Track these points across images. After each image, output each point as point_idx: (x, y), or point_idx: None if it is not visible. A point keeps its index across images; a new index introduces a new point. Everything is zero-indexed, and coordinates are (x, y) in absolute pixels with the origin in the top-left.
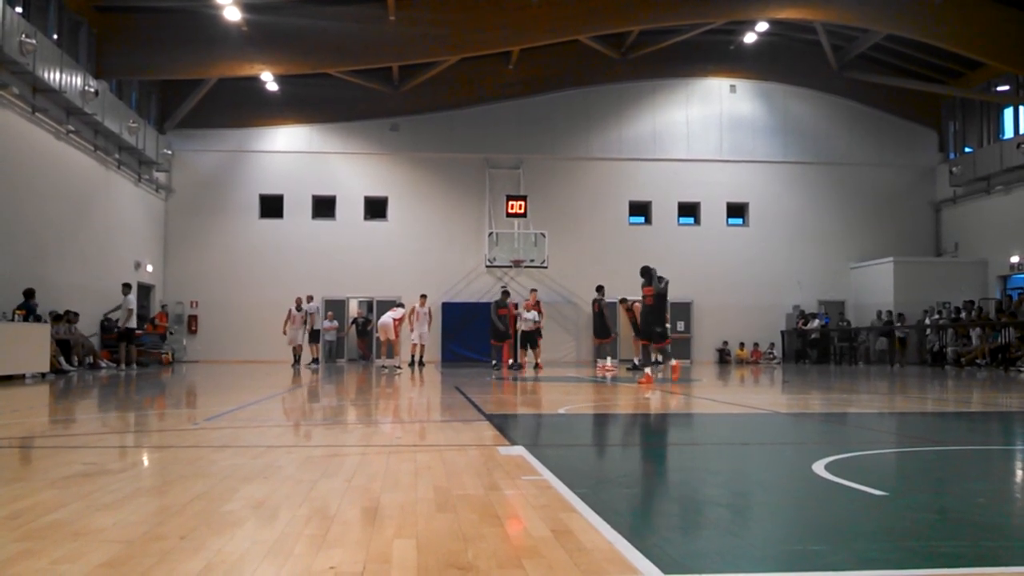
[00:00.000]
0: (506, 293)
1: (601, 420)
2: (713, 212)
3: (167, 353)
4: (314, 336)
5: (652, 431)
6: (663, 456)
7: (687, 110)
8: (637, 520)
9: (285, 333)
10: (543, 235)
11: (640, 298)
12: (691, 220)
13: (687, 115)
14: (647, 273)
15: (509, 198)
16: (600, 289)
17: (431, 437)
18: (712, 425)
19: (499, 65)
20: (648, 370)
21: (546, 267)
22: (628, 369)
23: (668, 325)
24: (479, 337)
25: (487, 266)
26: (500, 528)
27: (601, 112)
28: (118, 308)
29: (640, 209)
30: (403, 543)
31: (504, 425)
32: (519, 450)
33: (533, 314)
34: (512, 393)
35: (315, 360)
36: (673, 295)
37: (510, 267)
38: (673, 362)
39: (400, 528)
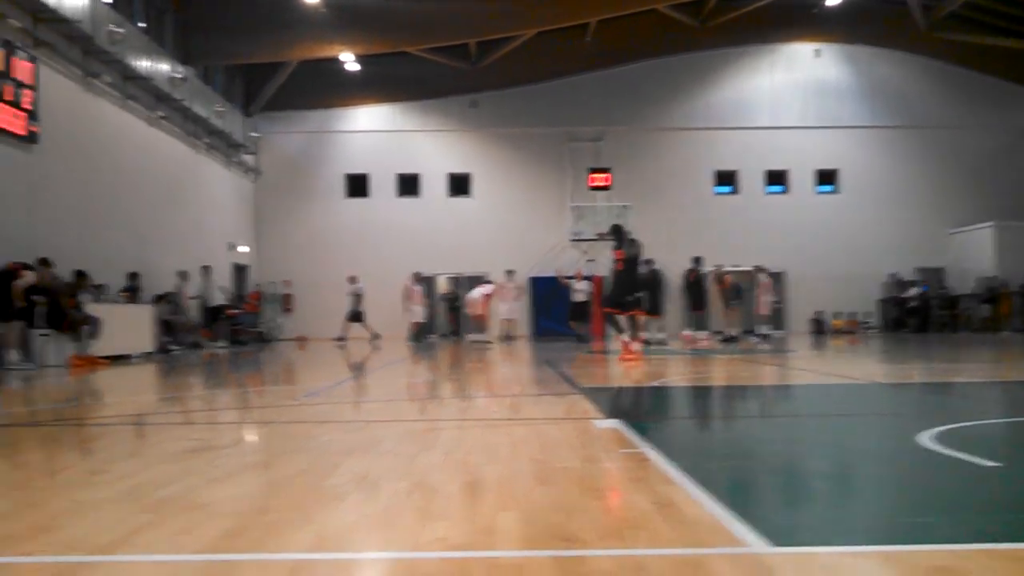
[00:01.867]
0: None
1: (697, 392)
2: (802, 180)
3: (264, 331)
4: (356, 316)
5: (749, 403)
6: (762, 428)
7: (771, 77)
8: (740, 492)
9: (407, 310)
10: (627, 207)
11: (728, 269)
12: (780, 188)
13: (771, 82)
14: (618, 233)
15: (591, 171)
16: (697, 260)
17: (526, 411)
18: (810, 396)
19: (577, 38)
20: (629, 342)
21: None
22: (721, 341)
23: (641, 294)
24: (567, 310)
25: (571, 240)
26: (601, 500)
27: (683, 81)
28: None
29: (726, 178)
30: (506, 515)
31: (598, 398)
32: (615, 423)
33: (585, 284)
34: (604, 366)
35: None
36: (763, 264)
37: (595, 240)
38: (626, 337)
39: (502, 500)
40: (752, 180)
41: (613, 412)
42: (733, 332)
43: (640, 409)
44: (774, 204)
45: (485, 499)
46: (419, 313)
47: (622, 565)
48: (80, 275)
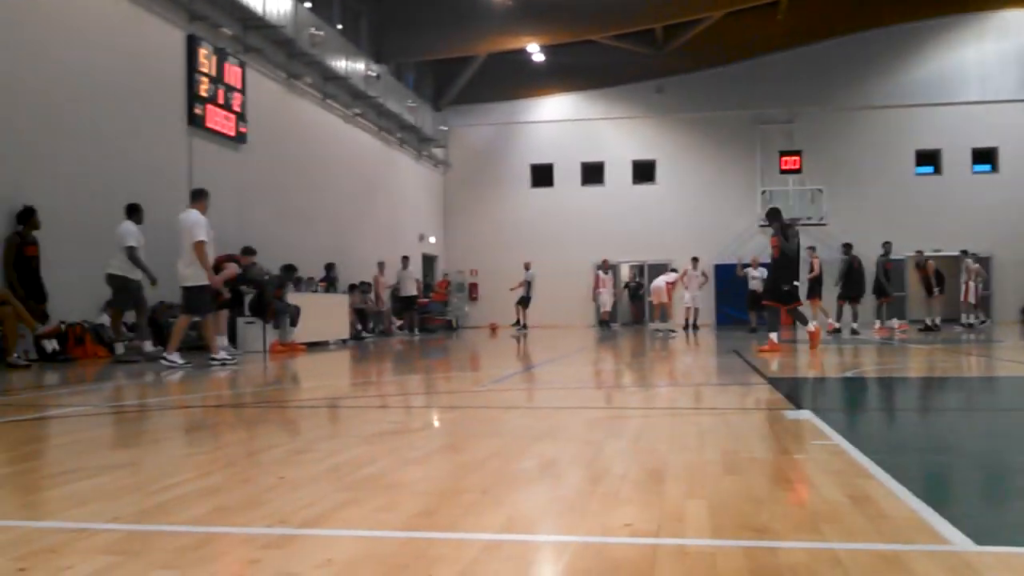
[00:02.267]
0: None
1: (892, 383)
2: (1014, 157)
3: (451, 319)
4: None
5: (949, 395)
6: (963, 421)
7: (980, 47)
8: (939, 488)
9: (595, 299)
10: (820, 191)
11: (929, 254)
12: (988, 167)
13: (980, 53)
14: (774, 219)
15: (782, 154)
16: (886, 246)
17: (712, 400)
18: (1017, 389)
19: (766, 17)
20: (773, 336)
21: (825, 224)
22: (920, 330)
23: (798, 283)
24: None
25: (760, 225)
26: (793, 492)
27: (880, 57)
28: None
29: (928, 158)
30: (695, 503)
31: (788, 389)
32: (806, 414)
33: (761, 271)
34: (793, 356)
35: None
36: (969, 248)
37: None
38: (811, 326)
39: (690, 489)
40: (957, 159)
41: (804, 402)
42: (935, 320)
43: (833, 400)
44: (981, 184)
45: (673, 487)
46: (608, 301)
47: (816, 558)
48: (289, 268)
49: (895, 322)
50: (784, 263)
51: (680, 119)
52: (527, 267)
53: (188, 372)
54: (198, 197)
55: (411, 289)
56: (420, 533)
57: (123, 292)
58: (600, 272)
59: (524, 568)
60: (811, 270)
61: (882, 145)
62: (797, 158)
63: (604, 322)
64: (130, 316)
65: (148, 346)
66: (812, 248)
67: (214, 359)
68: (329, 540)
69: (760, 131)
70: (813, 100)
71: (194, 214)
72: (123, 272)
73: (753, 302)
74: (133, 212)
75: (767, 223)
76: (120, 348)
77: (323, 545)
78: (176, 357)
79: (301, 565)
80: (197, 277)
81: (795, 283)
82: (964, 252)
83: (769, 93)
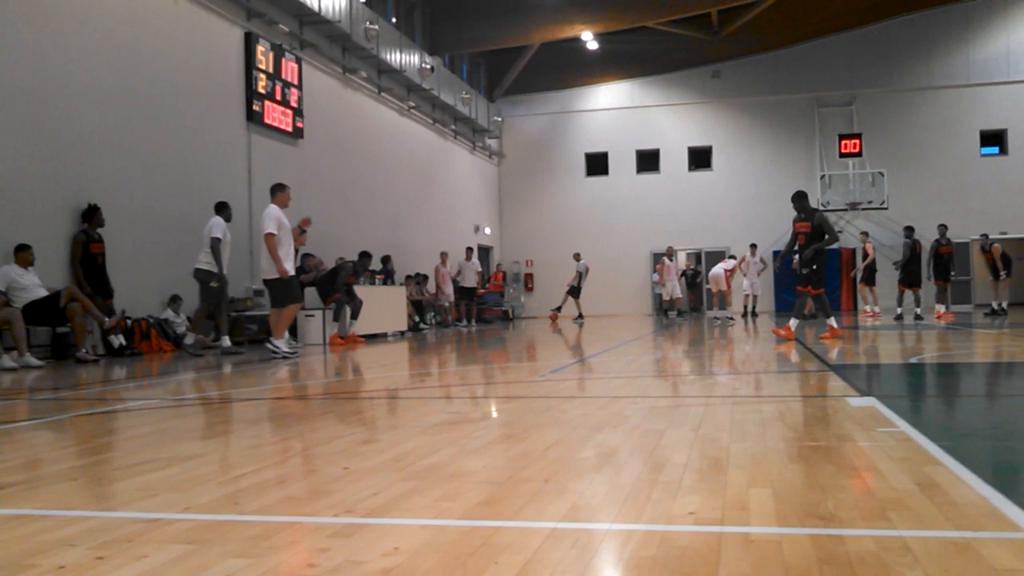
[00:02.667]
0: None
1: (958, 369)
2: None
3: (507, 309)
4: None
5: (1017, 380)
6: None
7: None
8: (1011, 474)
9: (663, 284)
10: (881, 174)
11: (995, 237)
12: None
13: None
14: (800, 202)
15: (842, 137)
16: (940, 228)
17: (774, 388)
18: None
19: None
20: (792, 323)
21: (886, 208)
22: (985, 315)
23: (815, 268)
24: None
25: (821, 210)
26: (859, 480)
27: (943, 36)
28: (459, 272)
29: (993, 139)
30: (759, 491)
31: (851, 375)
32: (871, 401)
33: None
34: (854, 342)
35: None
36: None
37: (845, 210)
38: (833, 321)
39: (753, 477)
40: (1023, 139)
41: (868, 389)
42: (1002, 304)
43: (898, 386)
44: None
45: (736, 475)
46: (672, 288)
47: (885, 546)
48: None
49: (940, 308)
50: (812, 248)
51: (737, 104)
52: (577, 258)
53: (253, 365)
54: (276, 191)
55: (472, 280)
56: (484, 522)
57: (206, 286)
58: (665, 259)
59: (589, 556)
60: (864, 256)
61: (945, 126)
62: (857, 141)
63: (668, 310)
64: (192, 310)
65: (226, 341)
66: (865, 234)
67: (277, 349)
68: (394, 529)
69: (819, 114)
70: (873, 81)
71: (270, 208)
72: (208, 267)
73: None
74: (222, 209)
75: (798, 208)
76: (190, 339)
77: (388, 534)
78: (282, 344)
79: (368, 554)
80: (276, 270)
81: (814, 267)
82: None
83: (828, 75)
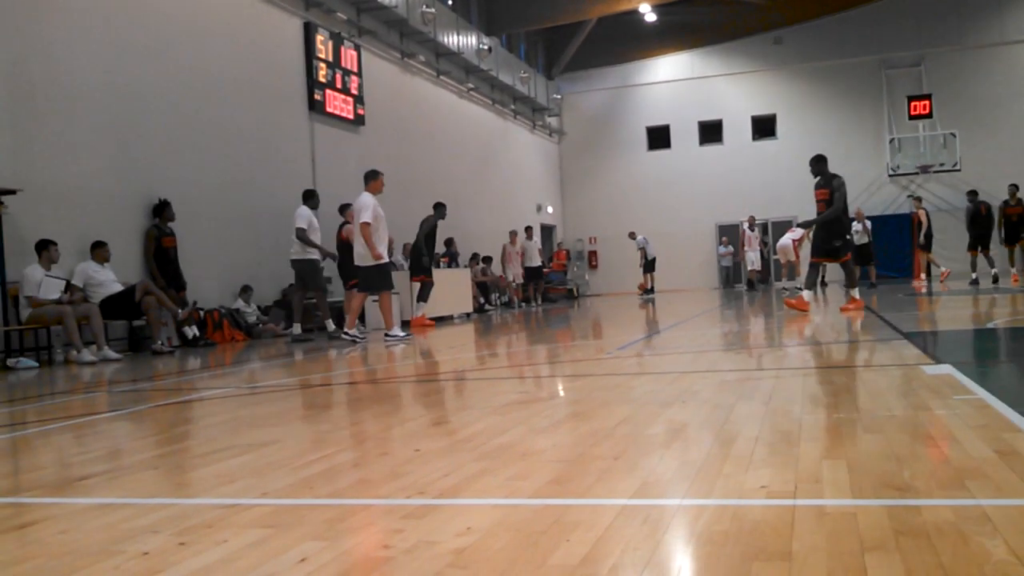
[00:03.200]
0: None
1: None
2: None
3: (571, 288)
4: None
5: None
6: None
7: None
8: None
9: (744, 256)
10: (953, 135)
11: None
12: None
13: None
14: (818, 166)
15: (911, 99)
16: (1011, 188)
17: (846, 358)
18: None
19: None
20: (805, 294)
21: (959, 170)
22: None
23: (850, 237)
24: (888, 252)
25: (890, 175)
26: (935, 449)
27: None
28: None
29: None
30: (832, 463)
31: (926, 343)
32: (947, 368)
33: (862, 225)
34: (929, 309)
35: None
36: None
37: (916, 174)
38: (856, 293)
39: (826, 449)
40: None
41: (944, 357)
42: None
43: (974, 353)
44: None
45: (808, 447)
46: (755, 259)
47: (963, 516)
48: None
49: (1014, 271)
50: (834, 216)
51: (800, 70)
52: (632, 236)
53: (320, 351)
54: (370, 179)
55: (536, 259)
56: (555, 500)
57: (303, 275)
58: (746, 229)
59: (661, 531)
60: (919, 225)
61: (1020, 83)
62: (927, 102)
63: (752, 282)
64: (263, 300)
65: (330, 324)
66: (918, 199)
67: (347, 334)
68: (467, 509)
69: (886, 76)
70: (942, 40)
71: (364, 196)
72: (300, 255)
73: (861, 258)
74: (308, 197)
75: (816, 173)
76: (297, 329)
77: (461, 514)
78: (398, 331)
79: (442, 534)
80: (371, 257)
81: (847, 237)
82: None
83: (894, 36)
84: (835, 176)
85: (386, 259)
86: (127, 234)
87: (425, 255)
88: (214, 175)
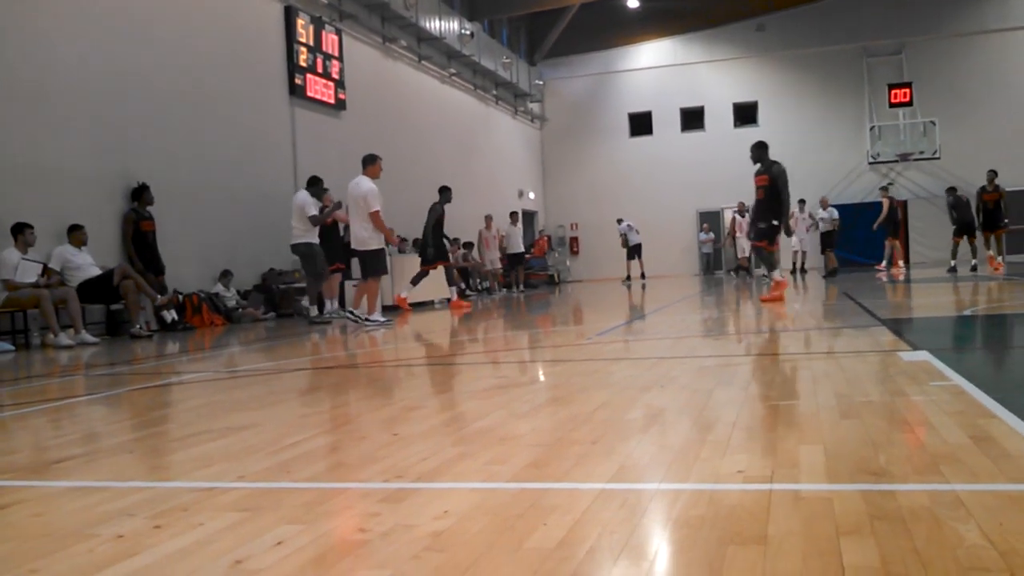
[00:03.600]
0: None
1: (1013, 320)
2: None
3: (553, 274)
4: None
5: None
6: None
7: None
8: None
9: (734, 242)
10: (933, 123)
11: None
12: None
13: None
14: (759, 153)
15: (891, 87)
16: (989, 174)
17: (824, 344)
18: None
19: None
20: (775, 274)
21: (938, 158)
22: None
23: (776, 223)
24: (864, 240)
25: (870, 163)
26: (911, 435)
27: None
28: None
29: None
30: (809, 448)
31: (903, 330)
32: (923, 355)
33: (831, 212)
34: (906, 296)
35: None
36: None
37: (896, 161)
38: (778, 274)
39: (804, 434)
40: None
41: (921, 343)
42: None
43: (951, 339)
44: None
45: (786, 433)
46: (746, 246)
47: (937, 500)
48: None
49: (998, 258)
50: (768, 202)
51: (782, 57)
52: (619, 222)
53: (303, 336)
54: (368, 163)
55: (520, 245)
56: (533, 484)
57: (309, 258)
58: (736, 215)
59: (638, 515)
60: (883, 211)
61: (1000, 71)
62: (907, 90)
63: (743, 268)
64: (242, 284)
65: (314, 310)
66: (884, 188)
67: (372, 321)
68: (444, 493)
69: (867, 64)
70: (923, 28)
71: (365, 182)
72: (301, 239)
73: (825, 245)
74: (313, 184)
75: (755, 159)
76: (314, 311)
77: (439, 498)
78: (378, 315)
79: (419, 517)
80: (372, 241)
81: (774, 223)
82: None
83: (875, 24)
84: (775, 163)
85: (384, 246)
86: (105, 217)
87: (431, 246)
88: (193, 159)
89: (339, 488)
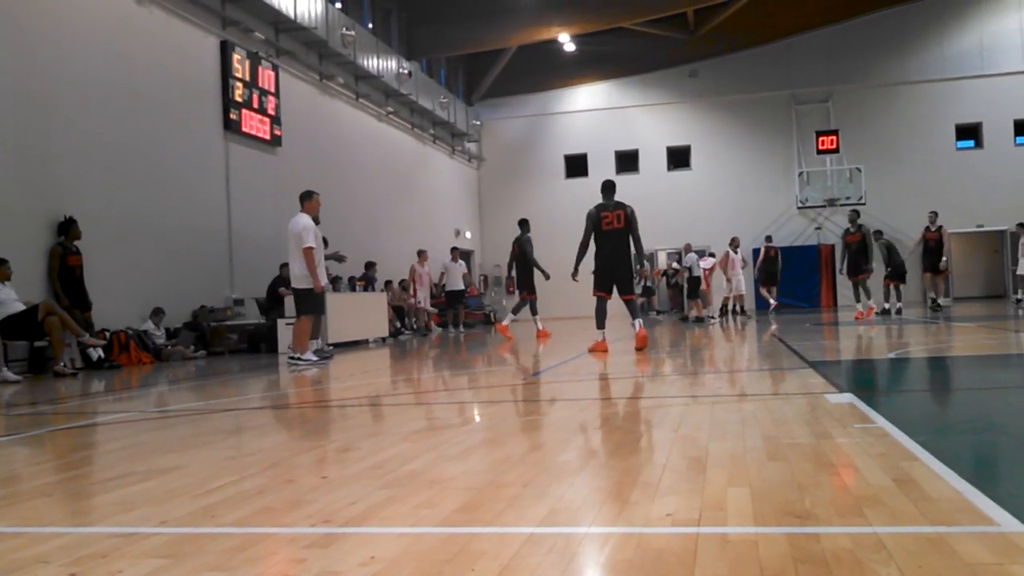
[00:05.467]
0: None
1: (937, 364)
2: None
3: (488, 313)
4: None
5: (996, 373)
6: (1010, 400)
7: (1021, 16)
8: (986, 468)
9: (728, 280)
10: (859, 169)
11: (972, 230)
12: None
13: (1021, 21)
14: (608, 194)
15: (819, 134)
16: (931, 215)
17: (753, 386)
18: None
19: None
20: (637, 323)
21: (864, 203)
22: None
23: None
24: (795, 281)
25: (799, 207)
26: (836, 477)
27: (917, 31)
28: (442, 274)
29: (969, 132)
30: (736, 491)
31: (830, 372)
32: (848, 397)
33: (693, 257)
34: (834, 339)
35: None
36: (998, 225)
37: (823, 206)
38: (637, 325)
39: (732, 477)
40: (998, 132)
41: (846, 386)
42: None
43: (876, 382)
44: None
45: (715, 475)
46: (737, 284)
47: (860, 543)
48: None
49: (942, 299)
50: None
51: (714, 103)
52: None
53: (234, 375)
54: (305, 199)
55: (459, 283)
56: (462, 528)
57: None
58: (729, 251)
59: (566, 560)
60: (761, 258)
61: (921, 120)
62: (834, 137)
63: (732, 310)
64: (172, 322)
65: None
66: (768, 237)
67: (299, 362)
68: (372, 538)
69: (796, 111)
70: (849, 78)
71: (303, 219)
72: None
73: (691, 291)
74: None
75: (606, 197)
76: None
77: (366, 543)
78: (309, 355)
79: (345, 563)
80: (307, 279)
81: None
82: (1021, 225)
83: (804, 73)
84: (621, 204)
85: (324, 285)
86: (30, 252)
87: (525, 275)
88: (124, 193)
89: (265, 533)
